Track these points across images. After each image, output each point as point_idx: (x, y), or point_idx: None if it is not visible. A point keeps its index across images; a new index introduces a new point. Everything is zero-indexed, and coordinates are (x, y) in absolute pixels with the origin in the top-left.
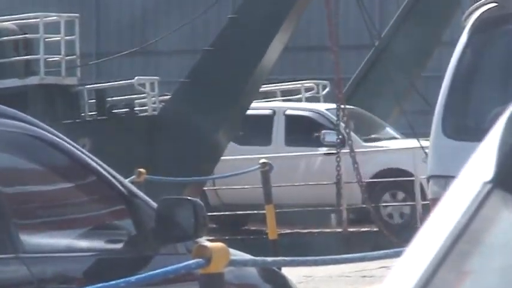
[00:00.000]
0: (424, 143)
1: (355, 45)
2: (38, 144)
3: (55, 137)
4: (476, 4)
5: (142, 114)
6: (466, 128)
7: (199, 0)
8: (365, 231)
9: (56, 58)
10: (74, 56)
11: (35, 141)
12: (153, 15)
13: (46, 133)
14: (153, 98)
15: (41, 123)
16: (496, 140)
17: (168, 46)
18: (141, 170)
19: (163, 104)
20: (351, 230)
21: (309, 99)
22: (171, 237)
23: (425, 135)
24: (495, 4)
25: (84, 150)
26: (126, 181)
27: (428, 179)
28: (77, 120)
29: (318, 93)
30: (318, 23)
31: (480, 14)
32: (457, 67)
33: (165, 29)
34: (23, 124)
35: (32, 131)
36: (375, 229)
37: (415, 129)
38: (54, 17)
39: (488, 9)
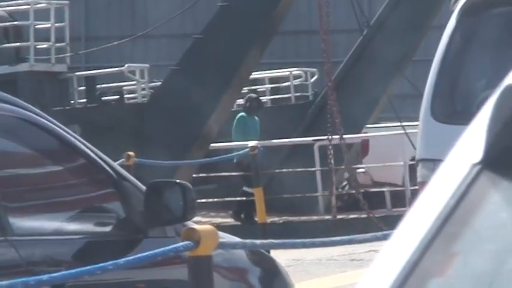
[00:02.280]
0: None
1: (345, 29)
2: (28, 127)
3: (45, 120)
4: None
5: (132, 102)
6: (454, 111)
7: None
8: (354, 218)
9: (46, 45)
10: (64, 43)
11: (24, 124)
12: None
13: (36, 116)
14: (143, 85)
15: (31, 107)
16: (485, 121)
17: (156, 30)
18: (130, 153)
19: (152, 91)
20: (340, 216)
21: (297, 87)
22: (160, 220)
23: (414, 119)
24: None
25: (73, 134)
26: (115, 164)
27: (417, 162)
28: (67, 108)
29: (306, 80)
30: (306, 6)
31: None
32: (445, 51)
33: (155, 12)
34: (12, 107)
35: (22, 114)
36: (364, 216)
37: (405, 113)
38: (44, 4)
39: None
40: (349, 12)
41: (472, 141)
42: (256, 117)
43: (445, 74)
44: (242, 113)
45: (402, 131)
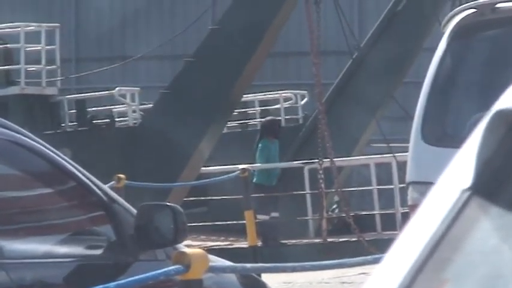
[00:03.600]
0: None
1: (334, 51)
2: (18, 149)
3: (35, 143)
4: (455, 10)
5: (122, 125)
6: (445, 134)
7: (178, 6)
8: (344, 241)
9: (37, 68)
10: (55, 66)
11: (15, 146)
12: (132, 20)
13: (26, 139)
14: (134, 107)
15: (21, 129)
16: (475, 146)
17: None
18: (121, 175)
19: (142, 113)
20: (330, 240)
21: (287, 110)
22: (151, 243)
23: (405, 141)
24: (474, 10)
25: (64, 156)
26: (106, 187)
27: (408, 185)
28: (58, 131)
29: (296, 103)
30: (296, 28)
31: (459, 20)
32: (436, 73)
33: (145, 35)
34: (2, 129)
35: (12, 136)
36: (354, 239)
37: (396, 135)
38: (35, 27)
39: (467, 15)
40: (339, 32)
41: (462, 166)
42: (276, 141)
43: (436, 96)
44: (264, 140)
45: (391, 154)
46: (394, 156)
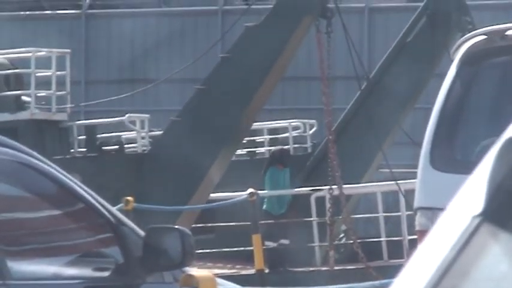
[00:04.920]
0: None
1: (343, 76)
2: (28, 171)
3: (44, 165)
4: (465, 37)
5: (132, 152)
6: (453, 160)
7: (188, 33)
8: (351, 269)
9: (47, 93)
10: (65, 92)
11: (24, 168)
12: (141, 43)
13: (35, 160)
14: (143, 134)
15: (30, 151)
16: (486, 173)
17: (156, 75)
18: (129, 198)
19: (151, 140)
20: (337, 268)
21: (296, 138)
22: (158, 265)
23: (412, 166)
24: (484, 37)
25: (73, 179)
26: (114, 209)
27: (416, 211)
28: (67, 157)
29: (305, 132)
30: (305, 52)
31: (469, 47)
32: (445, 99)
33: (154, 57)
34: (12, 151)
35: (22, 158)
36: (361, 266)
37: (403, 161)
38: (45, 52)
39: (477, 42)
40: (347, 58)
41: (473, 192)
42: (286, 169)
43: (445, 122)
44: (272, 168)
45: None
46: (398, 185)
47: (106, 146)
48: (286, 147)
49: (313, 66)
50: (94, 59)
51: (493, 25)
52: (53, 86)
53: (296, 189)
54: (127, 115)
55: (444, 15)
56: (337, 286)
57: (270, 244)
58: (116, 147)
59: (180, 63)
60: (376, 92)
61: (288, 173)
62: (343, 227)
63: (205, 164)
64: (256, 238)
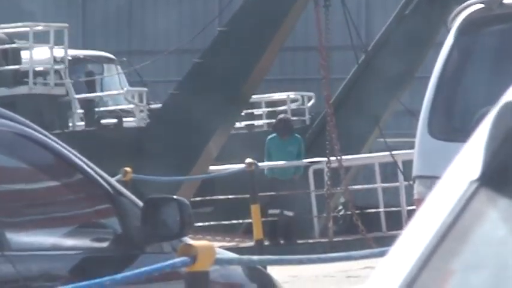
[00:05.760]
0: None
1: (341, 46)
2: (25, 142)
3: (42, 136)
4: (462, 5)
5: (130, 126)
6: (452, 128)
7: (185, 3)
8: (350, 240)
9: (45, 68)
10: (63, 66)
11: (21, 139)
12: (139, 14)
13: (33, 131)
14: (141, 108)
15: (28, 122)
16: (483, 138)
17: (154, 46)
18: (127, 168)
19: (149, 113)
20: (336, 239)
21: (294, 111)
22: (157, 235)
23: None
24: (481, 5)
25: (70, 149)
26: (113, 180)
27: (414, 179)
28: (66, 131)
29: (303, 104)
30: (303, 23)
31: (466, 16)
32: (443, 68)
33: (151, 29)
34: (9, 122)
35: (19, 129)
36: (360, 237)
37: (401, 130)
38: (43, 27)
39: (474, 10)
40: (345, 28)
41: (470, 158)
42: (285, 139)
43: (443, 91)
44: (270, 135)
45: (397, 152)
46: (393, 156)
47: (104, 119)
48: (283, 116)
49: (311, 36)
50: (91, 31)
51: None
52: (51, 60)
53: (294, 162)
54: (125, 89)
55: None
56: (337, 254)
57: (274, 212)
58: (115, 120)
59: (178, 31)
60: (374, 64)
61: (297, 143)
62: (342, 199)
63: (204, 137)
64: (254, 208)
